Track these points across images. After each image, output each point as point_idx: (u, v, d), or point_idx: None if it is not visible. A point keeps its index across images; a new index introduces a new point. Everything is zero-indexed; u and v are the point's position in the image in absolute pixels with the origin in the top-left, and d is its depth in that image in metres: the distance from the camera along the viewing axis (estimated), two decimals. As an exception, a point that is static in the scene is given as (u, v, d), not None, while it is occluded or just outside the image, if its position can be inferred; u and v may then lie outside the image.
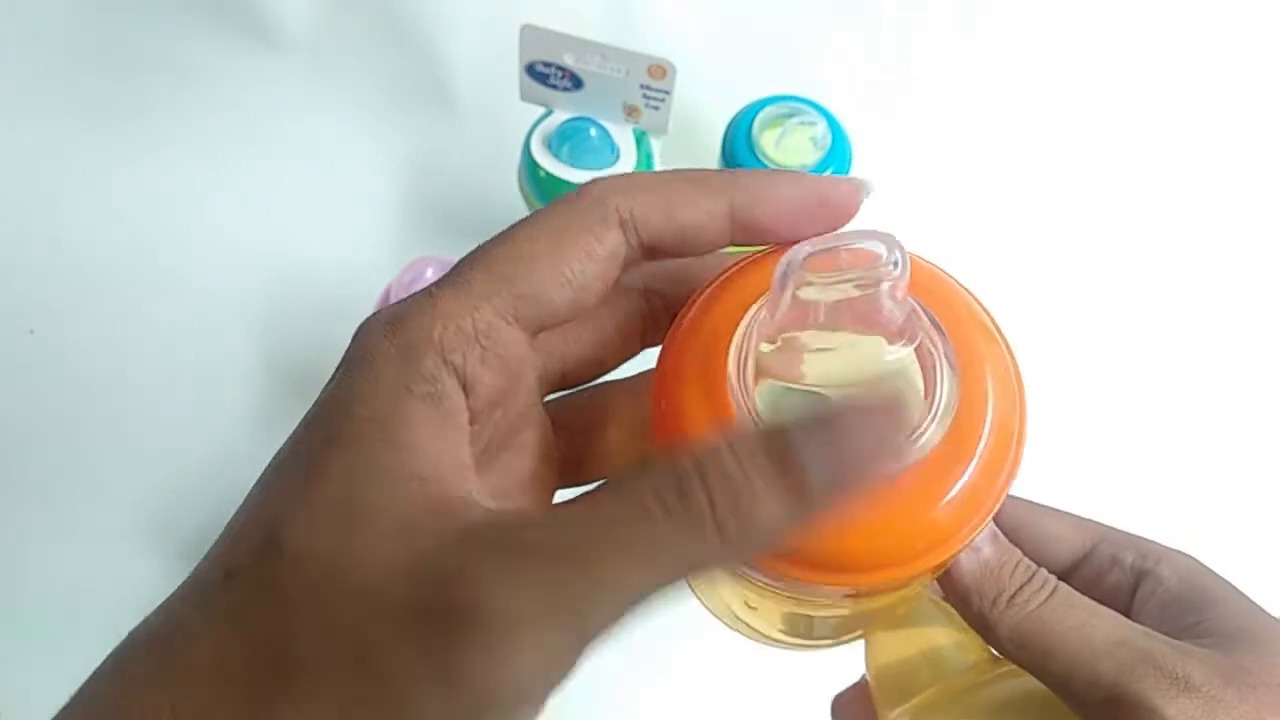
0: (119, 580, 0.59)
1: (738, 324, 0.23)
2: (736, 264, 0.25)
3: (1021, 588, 0.26)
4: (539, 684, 0.18)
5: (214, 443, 0.60)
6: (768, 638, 0.30)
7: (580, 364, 0.27)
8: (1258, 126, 0.73)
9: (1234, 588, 0.28)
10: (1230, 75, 0.74)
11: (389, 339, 0.22)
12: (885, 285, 0.21)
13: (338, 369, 0.22)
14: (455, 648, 0.18)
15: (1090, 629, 0.25)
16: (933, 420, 0.22)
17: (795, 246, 0.22)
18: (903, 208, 0.67)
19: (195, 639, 0.20)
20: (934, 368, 0.23)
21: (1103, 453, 0.63)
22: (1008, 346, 0.24)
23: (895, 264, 0.21)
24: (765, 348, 0.23)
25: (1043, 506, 0.30)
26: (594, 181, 0.24)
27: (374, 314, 0.23)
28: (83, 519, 0.61)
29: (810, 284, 0.22)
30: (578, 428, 0.28)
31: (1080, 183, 0.71)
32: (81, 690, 0.21)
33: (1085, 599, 0.26)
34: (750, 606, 0.29)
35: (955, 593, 0.26)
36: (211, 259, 0.67)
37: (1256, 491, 0.63)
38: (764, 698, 0.56)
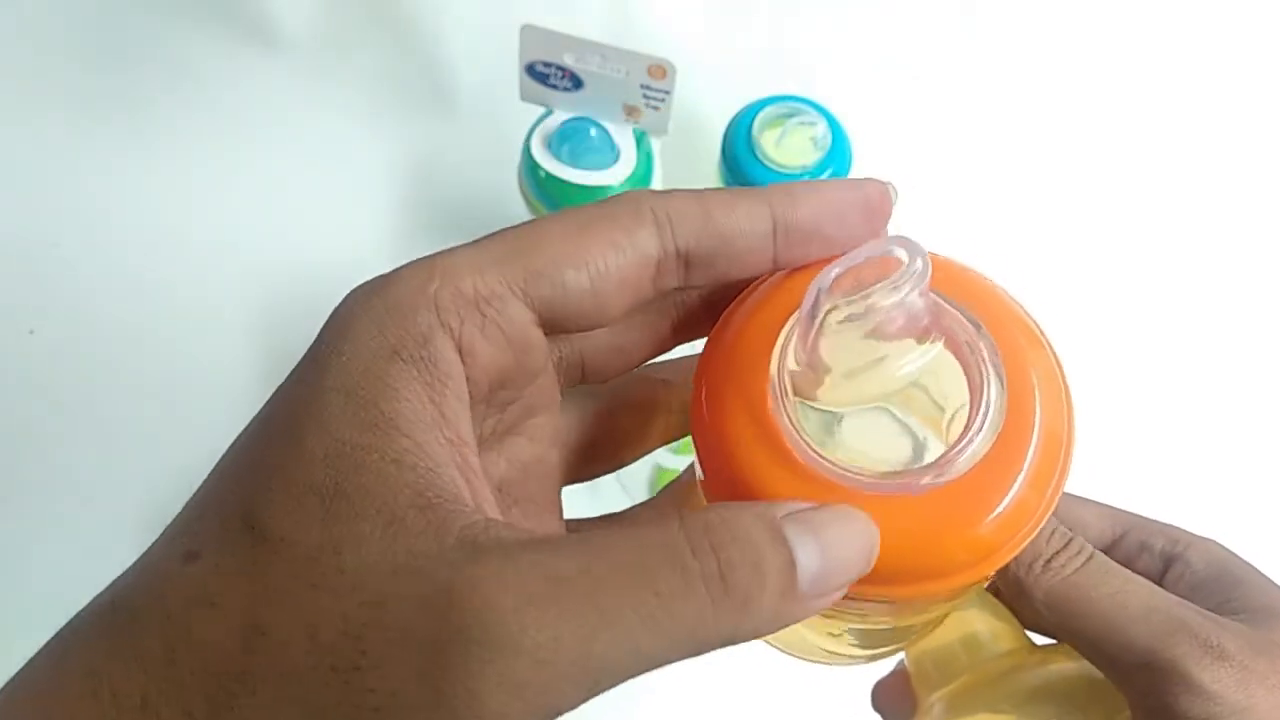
0: (119, 580, 0.59)
1: (779, 333, 0.23)
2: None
3: (1058, 553, 0.26)
4: None
5: (213, 442, 0.60)
6: (806, 654, 0.30)
7: (604, 352, 0.25)
8: (1258, 127, 0.73)
9: (1259, 571, 0.28)
10: (1227, 86, 0.74)
11: (376, 296, 0.20)
12: (910, 290, 0.21)
13: (319, 335, 0.21)
14: (457, 679, 0.16)
15: (1125, 595, 0.25)
16: (979, 431, 0.21)
17: (822, 271, 0.21)
18: (903, 208, 0.67)
19: (146, 624, 0.18)
20: (980, 374, 0.22)
21: (1123, 445, 0.63)
22: (1053, 351, 0.23)
23: (918, 269, 0.20)
24: (794, 366, 0.22)
25: (1072, 495, 0.29)
26: (630, 190, 0.23)
27: (362, 284, 0.21)
28: (82, 519, 0.61)
29: (838, 308, 0.21)
30: (600, 414, 0.26)
31: (1081, 181, 0.71)
32: (17, 677, 0.19)
33: (1121, 568, 0.26)
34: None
35: None
36: (211, 259, 0.67)
37: (1274, 480, 0.63)
38: (765, 696, 0.56)
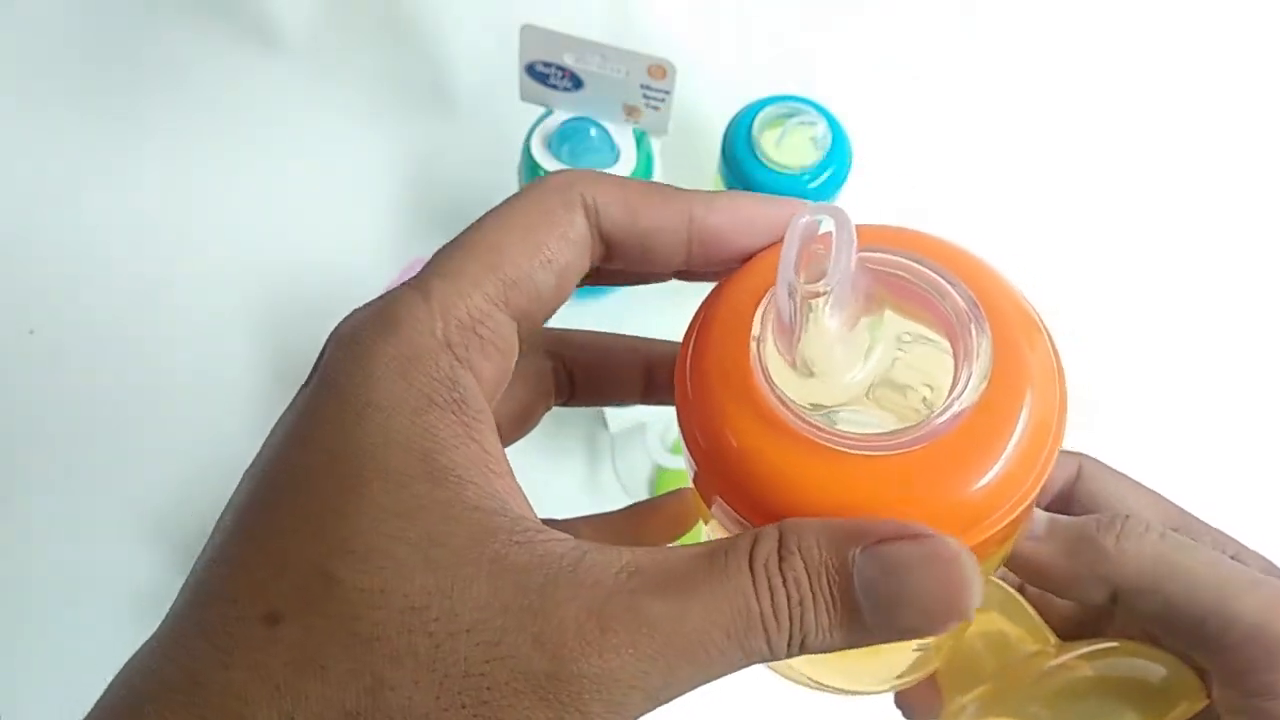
0: (119, 580, 0.59)
1: (756, 310, 0.23)
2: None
3: (1121, 531, 0.25)
4: None
5: (213, 442, 0.60)
6: (819, 683, 0.30)
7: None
8: (1260, 127, 0.73)
9: None
10: (1228, 86, 0.74)
11: (387, 344, 0.20)
12: (844, 256, 0.21)
13: (319, 386, 0.21)
14: (574, 705, 0.18)
15: (1222, 566, 0.24)
16: (963, 389, 0.21)
17: (779, 266, 0.21)
18: (903, 208, 0.67)
19: (252, 698, 0.18)
20: (966, 337, 0.22)
21: (1125, 443, 0.63)
22: (1049, 334, 0.23)
23: (846, 237, 0.21)
24: (774, 354, 0.22)
25: (1129, 479, 0.28)
26: (557, 171, 0.24)
27: (349, 321, 0.21)
28: (82, 519, 0.61)
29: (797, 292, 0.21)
30: (576, 364, 0.28)
31: (1081, 181, 0.71)
32: None
33: (1195, 541, 0.25)
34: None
35: (1055, 583, 0.26)
36: (211, 258, 0.67)
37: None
38: (766, 697, 0.56)
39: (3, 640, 0.58)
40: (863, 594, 0.19)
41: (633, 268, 0.24)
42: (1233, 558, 0.27)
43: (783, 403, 0.21)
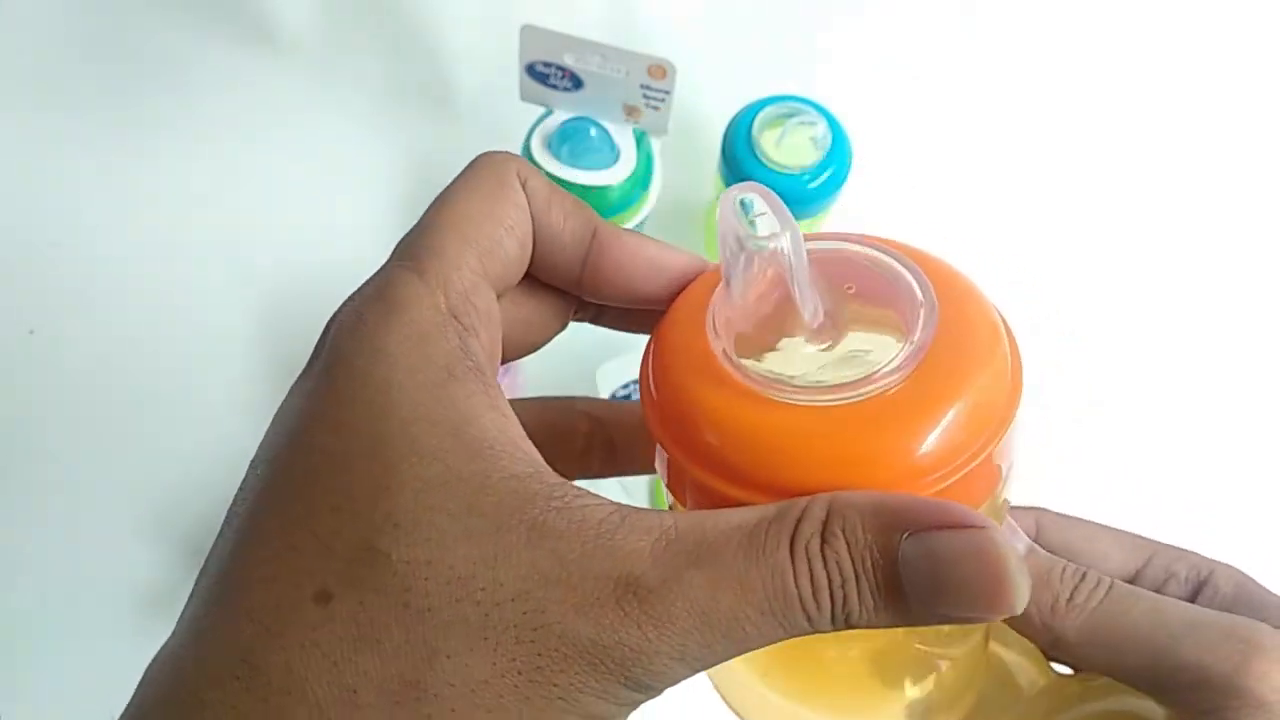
0: (119, 580, 0.59)
1: (710, 299, 0.24)
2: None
3: (1076, 588, 0.25)
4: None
5: (214, 442, 0.60)
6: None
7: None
8: (1261, 127, 0.73)
9: (1276, 594, 0.27)
10: (1228, 86, 0.74)
11: (396, 324, 0.21)
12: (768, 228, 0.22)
13: (330, 371, 0.21)
14: (621, 675, 0.19)
15: (1161, 614, 0.25)
16: (903, 351, 0.22)
17: (720, 220, 0.22)
18: (903, 208, 0.67)
19: (310, 676, 0.18)
20: (912, 295, 0.23)
21: (1119, 448, 0.63)
22: (1004, 322, 0.24)
23: (767, 208, 0.22)
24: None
25: (1090, 523, 0.29)
26: (488, 152, 0.25)
27: (348, 307, 0.22)
28: (83, 518, 0.61)
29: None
30: None
31: (1081, 181, 0.71)
32: None
33: (1145, 590, 0.25)
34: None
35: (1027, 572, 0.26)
36: (211, 258, 0.67)
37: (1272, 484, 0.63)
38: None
39: (3, 640, 0.58)
40: (907, 580, 0.19)
41: (531, 269, 0.25)
42: (1208, 576, 0.27)
43: (730, 355, 0.23)
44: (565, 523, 0.19)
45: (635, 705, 0.20)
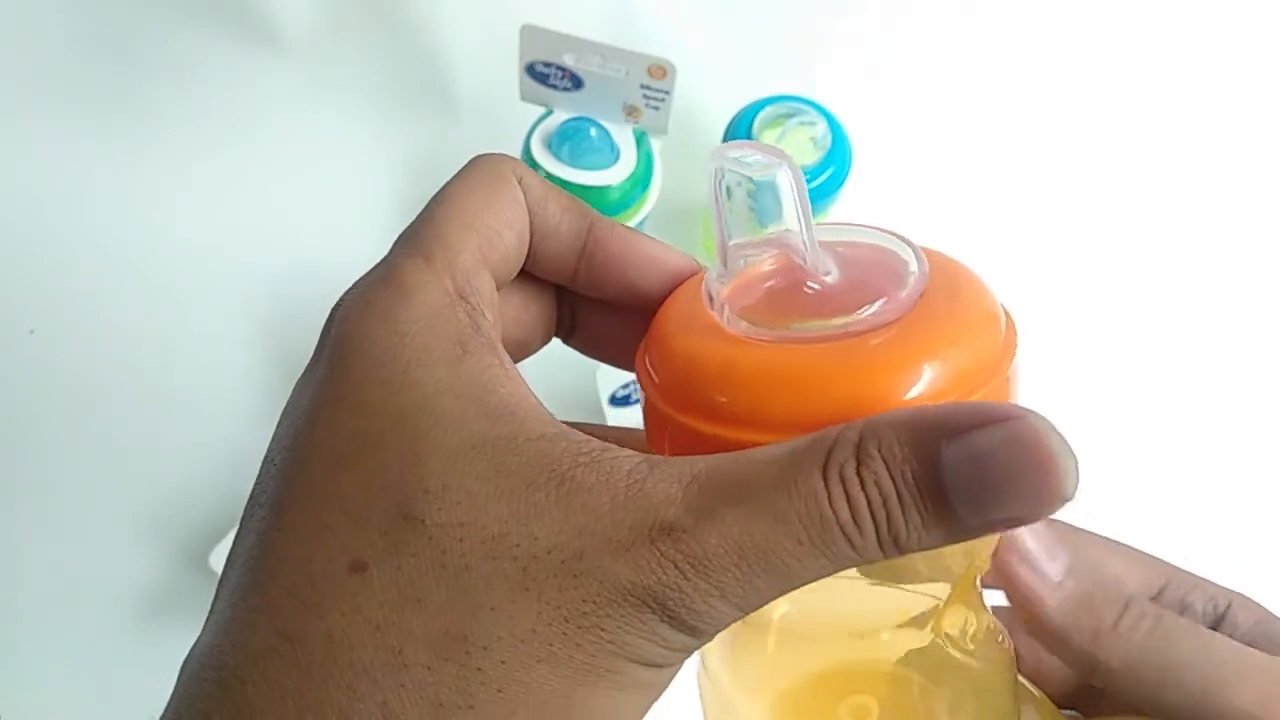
0: (120, 579, 0.59)
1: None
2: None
3: (1121, 616, 0.24)
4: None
5: (214, 442, 0.60)
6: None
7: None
8: (1262, 128, 0.73)
9: None
10: (1229, 87, 0.74)
11: (406, 307, 0.21)
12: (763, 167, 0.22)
13: (341, 357, 0.21)
14: (666, 616, 0.19)
15: (1213, 653, 0.24)
16: (887, 298, 0.22)
17: (714, 152, 0.23)
18: (903, 208, 0.67)
19: (355, 642, 0.18)
20: (904, 251, 0.23)
21: (1121, 449, 0.63)
22: (1006, 314, 0.24)
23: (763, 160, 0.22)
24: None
25: (1100, 539, 0.28)
26: (483, 154, 0.25)
27: (354, 294, 0.22)
28: (83, 518, 0.61)
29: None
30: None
31: (1082, 181, 0.71)
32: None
33: (1195, 624, 0.25)
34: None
35: (1048, 636, 0.25)
36: (211, 258, 0.67)
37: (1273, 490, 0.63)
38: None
39: (3, 640, 0.58)
40: (952, 486, 0.18)
41: (527, 264, 0.25)
42: (1226, 609, 0.27)
43: (720, 305, 0.23)
44: (594, 476, 0.19)
45: (687, 651, 0.20)
